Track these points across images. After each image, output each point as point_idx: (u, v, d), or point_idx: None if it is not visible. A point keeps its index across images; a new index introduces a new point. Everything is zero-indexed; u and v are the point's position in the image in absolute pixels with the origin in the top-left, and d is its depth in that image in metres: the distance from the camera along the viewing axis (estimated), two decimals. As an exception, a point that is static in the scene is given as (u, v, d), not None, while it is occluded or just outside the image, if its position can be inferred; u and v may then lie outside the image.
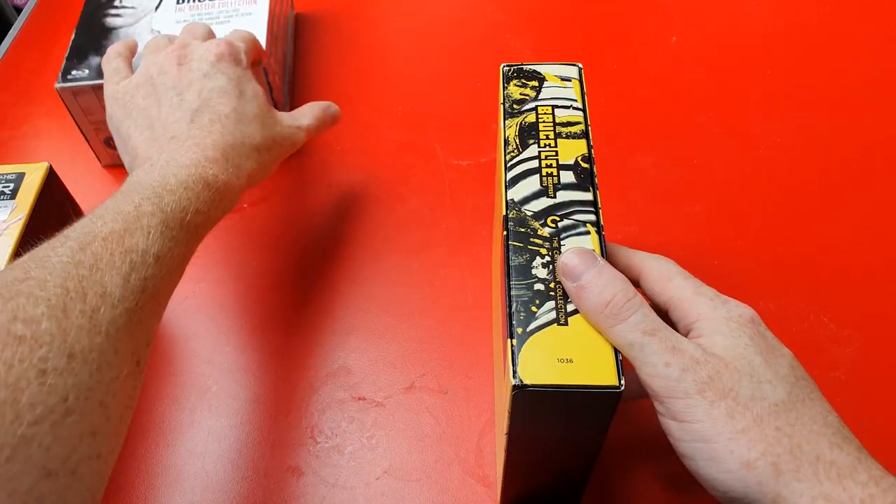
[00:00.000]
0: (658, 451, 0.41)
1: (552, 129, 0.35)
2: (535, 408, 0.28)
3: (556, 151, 0.34)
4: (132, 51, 0.49)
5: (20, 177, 0.40)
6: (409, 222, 0.53)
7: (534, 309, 0.29)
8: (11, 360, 0.24)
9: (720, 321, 0.29)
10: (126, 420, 0.30)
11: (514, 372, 0.27)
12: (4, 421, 0.23)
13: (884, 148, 0.56)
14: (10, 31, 0.72)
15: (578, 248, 0.30)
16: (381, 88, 0.63)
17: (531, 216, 0.32)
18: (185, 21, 0.56)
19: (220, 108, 0.41)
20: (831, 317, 0.47)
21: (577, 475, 0.35)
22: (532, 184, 0.33)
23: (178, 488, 0.41)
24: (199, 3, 0.57)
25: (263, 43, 0.53)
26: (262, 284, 0.50)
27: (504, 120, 0.36)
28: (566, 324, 0.29)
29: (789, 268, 0.50)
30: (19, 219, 0.38)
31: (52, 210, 0.41)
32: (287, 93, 0.62)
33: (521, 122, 0.35)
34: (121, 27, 0.56)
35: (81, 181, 0.52)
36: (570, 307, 0.29)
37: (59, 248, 0.30)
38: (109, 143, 0.56)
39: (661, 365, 0.27)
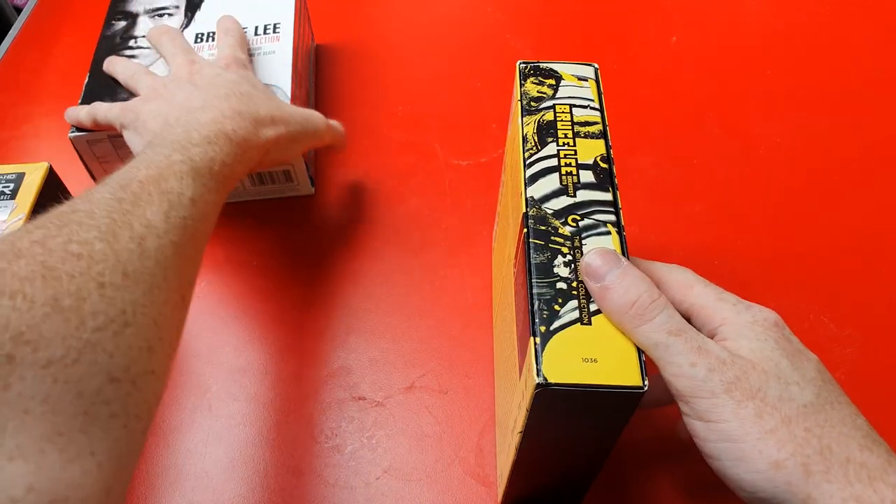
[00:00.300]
0: (667, 457, 0.41)
1: (570, 128, 0.35)
2: (556, 406, 0.28)
3: (575, 150, 0.34)
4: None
5: (20, 177, 0.40)
6: (409, 222, 0.53)
7: (556, 308, 0.29)
8: (73, 272, 0.26)
9: (745, 325, 0.29)
10: (174, 347, 0.31)
11: (539, 370, 0.27)
12: (70, 326, 0.24)
13: (884, 148, 0.56)
14: (10, 31, 0.72)
15: (602, 249, 0.30)
16: (381, 88, 0.63)
17: (551, 214, 0.32)
18: None
19: (235, 87, 0.43)
20: (831, 317, 0.47)
21: (582, 477, 0.35)
22: (552, 182, 0.33)
23: (178, 488, 0.41)
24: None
25: (288, 83, 0.52)
26: (261, 285, 0.50)
27: (521, 117, 0.36)
28: (589, 323, 0.28)
29: (789, 268, 0.50)
30: (19, 219, 0.38)
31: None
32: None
33: (538, 120, 0.35)
34: None
35: (81, 181, 0.52)
36: (593, 307, 0.29)
37: (100, 189, 0.31)
38: None
39: (686, 365, 0.27)
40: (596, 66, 0.38)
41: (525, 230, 0.31)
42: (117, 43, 0.55)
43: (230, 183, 0.39)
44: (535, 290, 0.29)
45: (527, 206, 0.32)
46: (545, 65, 0.38)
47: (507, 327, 0.36)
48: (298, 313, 0.48)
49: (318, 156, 0.59)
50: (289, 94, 0.51)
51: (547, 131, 0.35)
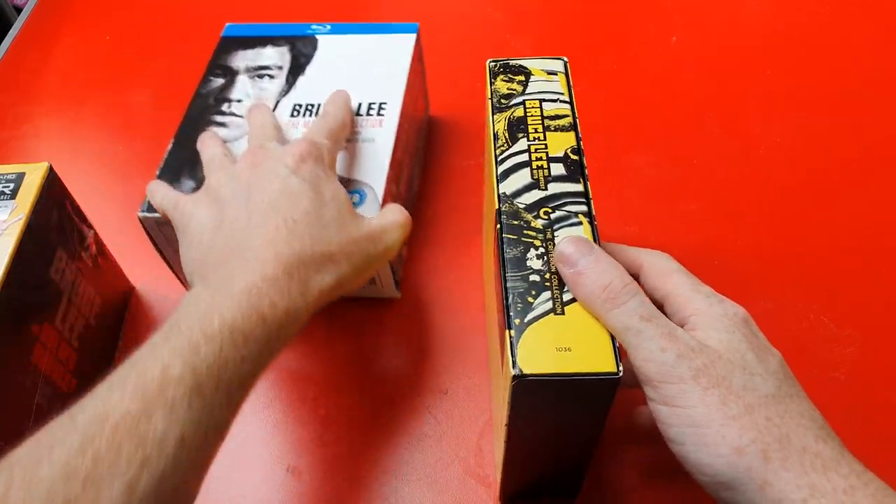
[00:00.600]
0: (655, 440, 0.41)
1: (540, 122, 0.35)
2: (534, 397, 0.29)
3: (546, 144, 0.34)
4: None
5: (20, 177, 0.40)
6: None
7: (530, 300, 0.29)
8: None
9: (715, 317, 0.30)
10: None
11: (514, 362, 0.27)
12: None
13: (883, 148, 0.56)
14: (10, 31, 0.72)
15: (575, 237, 0.30)
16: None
17: (524, 208, 0.32)
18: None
19: (290, 211, 0.35)
20: (831, 317, 0.47)
21: (576, 464, 0.36)
22: (523, 177, 0.33)
23: (178, 488, 0.41)
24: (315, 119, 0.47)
25: (382, 182, 0.44)
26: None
27: (492, 115, 0.36)
28: (563, 313, 0.29)
29: (789, 268, 0.50)
30: (19, 219, 0.38)
31: (52, 210, 0.41)
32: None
33: (509, 117, 0.36)
34: (224, 141, 0.45)
35: (81, 181, 0.52)
36: (566, 297, 0.29)
37: (56, 448, 0.26)
38: None
39: (656, 350, 0.28)
40: (565, 59, 0.38)
41: (498, 226, 0.32)
42: (210, 104, 0.49)
43: (250, 382, 0.31)
44: (508, 284, 0.30)
45: (499, 202, 0.33)
46: (514, 62, 0.38)
47: (494, 324, 0.36)
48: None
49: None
50: (380, 197, 0.43)
51: (518, 127, 0.35)
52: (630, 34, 0.68)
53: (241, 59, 0.52)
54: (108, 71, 0.67)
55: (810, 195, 0.54)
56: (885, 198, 0.53)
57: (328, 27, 0.54)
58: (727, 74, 0.63)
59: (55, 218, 0.42)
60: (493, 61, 0.38)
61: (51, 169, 0.41)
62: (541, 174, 0.33)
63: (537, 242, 0.31)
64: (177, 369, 0.28)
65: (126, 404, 0.27)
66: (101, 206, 0.55)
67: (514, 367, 0.27)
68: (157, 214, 0.41)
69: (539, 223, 0.32)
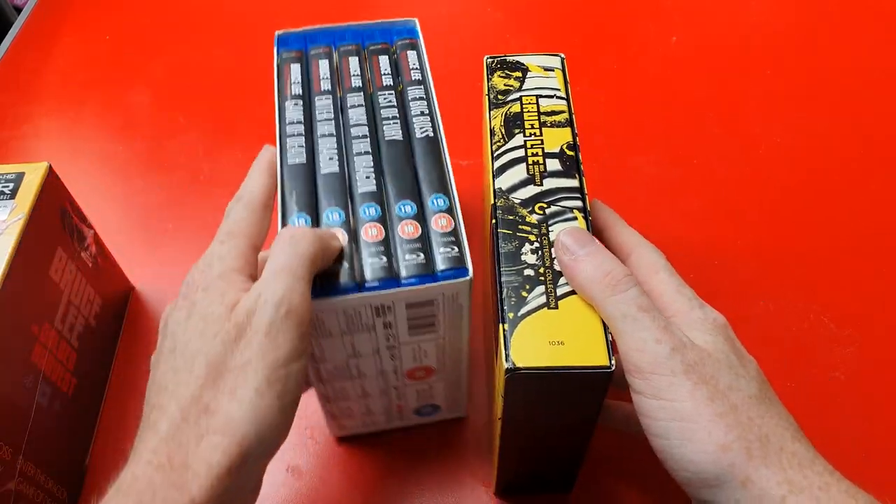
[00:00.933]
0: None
1: (537, 118, 0.36)
2: (528, 390, 0.29)
3: (542, 140, 0.35)
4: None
5: (20, 177, 0.40)
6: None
7: (524, 294, 0.29)
8: None
9: (696, 320, 0.30)
10: None
11: (507, 356, 0.28)
12: None
13: (884, 148, 0.56)
14: (10, 31, 0.72)
15: (576, 228, 0.31)
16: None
17: (519, 204, 0.32)
18: None
19: (203, 357, 0.27)
20: (831, 317, 0.47)
21: (570, 458, 0.36)
22: (519, 172, 0.34)
23: (178, 488, 0.41)
24: None
25: None
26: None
27: (489, 111, 0.36)
28: (556, 307, 0.29)
29: (789, 267, 0.50)
30: (19, 218, 0.38)
31: (52, 210, 0.41)
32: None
33: (506, 113, 0.36)
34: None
35: (81, 181, 0.52)
36: (560, 291, 0.30)
37: None
38: (331, 406, 0.39)
39: (651, 341, 0.28)
40: (562, 55, 0.38)
41: (493, 221, 0.32)
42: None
43: None
44: (503, 279, 0.30)
45: (495, 197, 0.33)
46: (512, 58, 0.38)
47: (490, 320, 0.36)
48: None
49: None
50: None
51: (514, 123, 0.35)
52: (630, 34, 0.68)
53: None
54: (108, 71, 0.67)
55: (810, 195, 0.54)
56: (885, 198, 0.53)
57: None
58: (727, 74, 0.63)
59: (55, 218, 0.42)
60: (491, 57, 0.38)
61: (50, 169, 0.41)
62: (536, 170, 0.33)
63: (532, 237, 0.31)
64: None
65: None
66: (101, 206, 0.55)
67: (507, 361, 0.28)
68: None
69: (534, 218, 0.32)
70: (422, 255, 0.31)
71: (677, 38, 0.66)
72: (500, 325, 0.29)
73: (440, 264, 0.31)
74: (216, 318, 0.27)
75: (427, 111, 0.37)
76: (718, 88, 0.62)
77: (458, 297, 0.31)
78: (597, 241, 0.30)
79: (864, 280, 0.49)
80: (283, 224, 0.32)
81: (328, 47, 0.40)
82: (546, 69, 0.38)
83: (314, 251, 0.29)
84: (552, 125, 0.35)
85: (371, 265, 0.31)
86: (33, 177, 0.40)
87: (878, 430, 0.42)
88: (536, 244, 0.31)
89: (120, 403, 0.45)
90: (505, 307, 0.29)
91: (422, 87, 0.38)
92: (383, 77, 0.38)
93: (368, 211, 0.33)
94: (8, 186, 0.40)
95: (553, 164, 0.34)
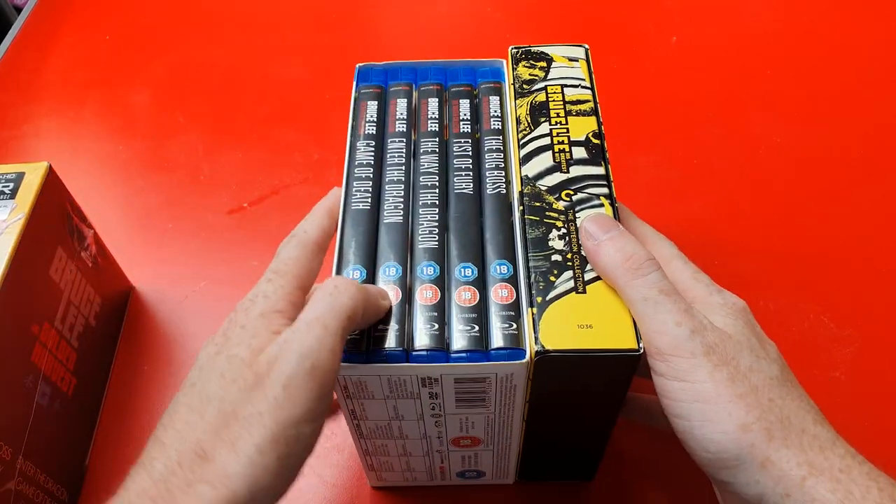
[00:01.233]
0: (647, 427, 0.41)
1: (562, 107, 0.36)
2: (556, 373, 0.29)
3: (567, 129, 0.35)
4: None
5: (20, 176, 0.40)
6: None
7: (552, 279, 0.30)
8: None
9: (715, 305, 0.30)
10: None
11: (536, 339, 0.28)
12: None
13: (884, 148, 0.56)
14: (10, 31, 0.72)
15: (600, 213, 0.31)
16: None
17: (545, 191, 0.32)
18: None
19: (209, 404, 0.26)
20: (831, 317, 0.47)
21: (592, 445, 0.36)
22: (545, 160, 0.34)
23: (178, 488, 0.41)
24: None
25: None
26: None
27: (514, 100, 0.36)
28: (584, 292, 0.29)
29: (789, 268, 0.50)
30: (19, 218, 0.38)
31: (52, 210, 0.41)
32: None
33: (531, 102, 0.36)
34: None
35: (81, 181, 0.52)
36: (587, 276, 0.30)
37: None
38: (370, 459, 0.38)
39: (671, 323, 0.28)
40: (586, 46, 0.39)
41: (521, 208, 0.32)
42: None
43: None
44: (531, 264, 0.30)
45: (521, 185, 0.33)
46: (536, 48, 0.39)
47: None
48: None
49: (319, 154, 0.58)
50: None
51: (539, 112, 0.36)
52: (630, 34, 0.68)
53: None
54: (108, 71, 0.67)
55: (810, 195, 0.54)
56: (885, 198, 0.53)
57: None
58: (727, 74, 0.63)
59: (55, 218, 0.42)
60: (515, 48, 0.39)
61: (50, 169, 0.41)
62: (563, 157, 0.34)
63: (559, 224, 0.31)
64: None
65: None
66: (101, 206, 0.55)
67: (536, 343, 0.28)
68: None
69: (561, 205, 0.32)
70: (476, 328, 0.29)
71: (677, 38, 0.66)
72: (529, 309, 0.29)
73: (495, 341, 0.29)
74: (239, 361, 0.26)
75: (502, 165, 0.35)
76: (718, 88, 0.62)
77: (513, 378, 0.29)
78: (621, 226, 0.31)
79: (864, 280, 0.49)
80: (338, 273, 0.31)
81: (409, 85, 0.39)
82: (570, 59, 0.38)
83: (355, 307, 0.27)
84: (577, 114, 0.35)
85: (421, 331, 0.29)
86: (33, 177, 0.40)
87: (878, 430, 0.42)
88: (563, 230, 0.31)
89: (120, 403, 0.45)
90: (533, 291, 0.29)
91: (500, 137, 0.36)
92: (461, 123, 0.37)
93: (427, 270, 0.31)
94: (8, 186, 0.40)
95: (579, 152, 0.34)
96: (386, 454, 0.36)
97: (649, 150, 0.57)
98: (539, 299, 0.29)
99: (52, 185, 0.41)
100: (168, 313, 0.49)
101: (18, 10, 1.25)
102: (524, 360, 0.28)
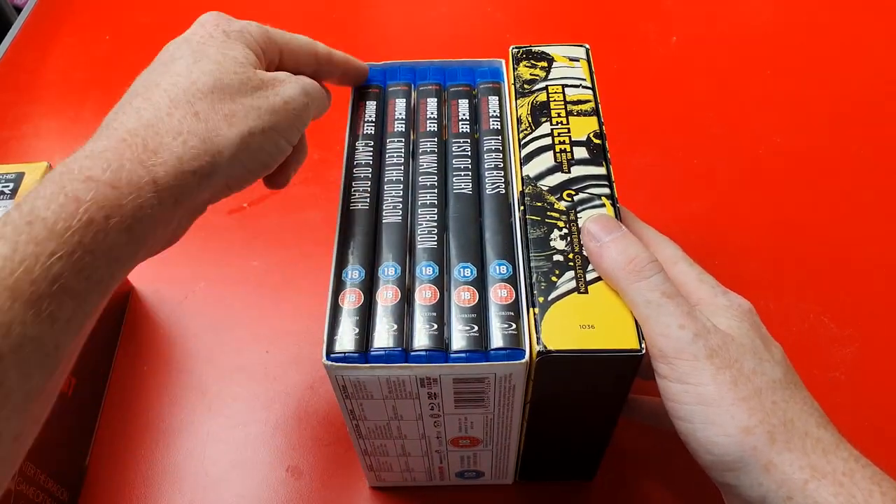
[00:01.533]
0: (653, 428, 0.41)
1: (563, 107, 0.36)
2: (558, 373, 0.29)
3: (569, 129, 0.35)
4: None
5: (20, 176, 0.40)
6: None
7: (554, 279, 0.30)
8: None
9: (721, 307, 0.30)
10: None
11: (538, 339, 0.28)
12: None
13: (884, 148, 0.56)
14: (10, 31, 0.72)
15: (603, 214, 0.31)
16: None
17: (547, 191, 0.32)
18: None
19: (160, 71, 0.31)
20: (831, 317, 0.47)
21: (593, 445, 0.36)
22: (546, 160, 0.34)
23: (178, 488, 0.41)
24: None
25: None
26: (262, 285, 0.50)
27: (515, 99, 0.36)
28: (586, 292, 0.29)
29: (789, 268, 0.50)
30: (19, 219, 0.38)
31: (52, 210, 0.41)
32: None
33: (532, 102, 0.36)
34: None
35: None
36: (589, 276, 0.30)
37: None
38: (369, 459, 0.38)
39: (675, 326, 0.28)
40: (587, 46, 0.39)
41: (521, 208, 0.32)
42: None
43: (98, 291, 0.24)
44: (532, 264, 0.30)
45: (523, 185, 0.33)
46: (537, 48, 0.39)
47: None
48: (298, 313, 0.48)
49: (319, 154, 0.58)
50: None
51: (541, 112, 0.36)
52: (630, 34, 0.68)
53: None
54: (108, 71, 0.67)
55: (810, 195, 0.54)
56: (885, 198, 0.53)
57: None
58: (727, 74, 0.63)
59: (55, 218, 0.41)
60: (516, 48, 0.39)
61: (50, 168, 0.41)
62: (564, 157, 0.34)
63: (561, 224, 0.31)
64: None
65: None
66: (101, 206, 0.55)
67: (538, 344, 0.28)
68: (348, 365, 0.29)
69: (562, 205, 0.32)
70: (475, 328, 0.29)
71: (677, 38, 0.66)
72: (531, 309, 0.29)
73: (494, 341, 0.29)
74: (240, 59, 0.30)
75: (501, 165, 0.35)
76: (718, 88, 0.62)
77: (512, 378, 0.29)
78: (623, 227, 0.31)
79: (864, 280, 0.49)
80: (338, 271, 0.31)
81: (407, 85, 0.39)
82: (571, 59, 0.38)
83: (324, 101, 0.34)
84: (579, 114, 0.35)
85: (420, 332, 0.29)
86: (33, 177, 0.40)
87: (878, 429, 0.42)
88: (565, 230, 0.31)
89: (120, 403, 0.45)
90: (535, 291, 0.29)
91: (499, 137, 0.36)
92: (460, 123, 0.37)
93: (426, 270, 0.31)
94: (8, 186, 0.40)
95: (580, 152, 0.34)
96: (385, 454, 0.36)
97: (649, 151, 0.57)
98: (541, 299, 0.29)
99: (52, 186, 0.41)
100: (168, 313, 0.49)
101: (18, 10, 1.25)
102: (523, 361, 0.28)
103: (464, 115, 0.37)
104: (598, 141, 0.34)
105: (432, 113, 0.37)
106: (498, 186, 0.34)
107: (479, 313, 0.30)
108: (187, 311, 0.49)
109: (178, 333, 0.48)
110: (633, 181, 0.55)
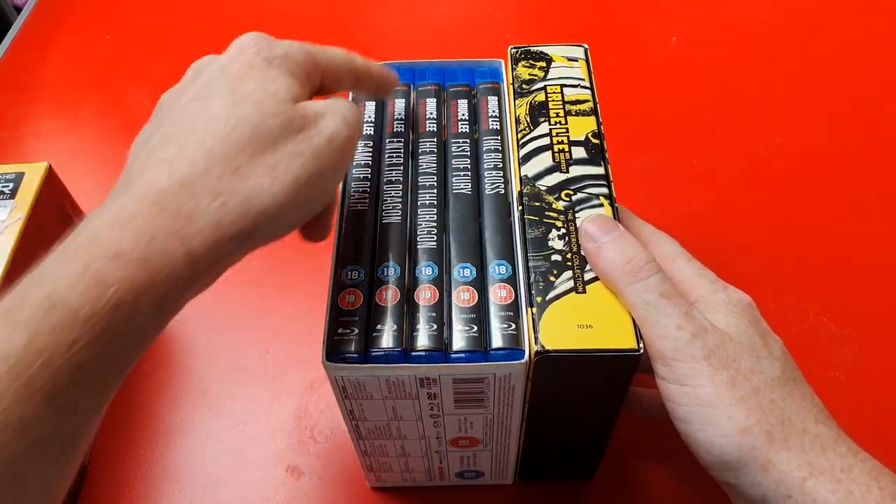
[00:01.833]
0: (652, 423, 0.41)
1: (562, 107, 0.36)
2: (556, 373, 0.29)
3: (567, 129, 0.35)
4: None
5: (20, 176, 0.40)
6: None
7: (552, 279, 0.30)
8: None
9: (720, 303, 0.30)
10: None
11: (536, 339, 0.28)
12: None
13: (884, 148, 0.56)
14: (10, 31, 0.72)
15: (600, 215, 0.31)
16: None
17: (545, 191, 0.32)
18: None
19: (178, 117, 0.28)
20: (831, 317, 0.47)
21: (592, 444, 0.36)
22: (544, 160, 0.34)
23: (178, 488, 0.41)
24: None
25: None
26: (262, 284, 0.50)
27: (514, 100, 0.36)
28: (584, 292, 0.29)
29: (789, 268, 0.50)
30: (18, 218, 0.38)
31: (52, 210, 0.41)
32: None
33: (531, 102, 0.36)
34: None
35: (81, 181, 0.52)
36: (587, 276, 0.30)
37: None
38: (369, 460, 0.38)
39: (672, 327, 0.28)
40: (586, 46, 0.39)
41: (520, 208, 0.32)
42: None
43: (105, 379, 0.23)
44: (530, 264, 0.30)
45: (521, 185, 0.33)
46: (536, 48, 0.39)
47: None
48: (299, 313, 0.48)
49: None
50: None
51: (539, 112, 0.36)
52: (630, 34, 0.68)
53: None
54: (108, 71, 0.67)
55: (810, 195, 0.54)
56: (885, 198, 0.53)
57: None
58: (727, 74, 0.63)
59: (54, 218, 0.42)
60: (515, 48, 0.39)
61: (50, 169, 0.41)
62: (562, 157, 0.34)
63: (559, 224, 0.31)
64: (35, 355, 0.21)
65: None
66: (101, 206, 0.55)
67: (536, 343, 0.28)
68: (348, 367, 0.29)
69: (560, 205, 0.32)
70: (475, 328, 0.29)
71: (677, 38, 0.66)
72: (529, 309, 0.29)
73: (494, 341, 0.29)
74: (280, 95, 0.27)
75: (501, 165, 0.35)
76: (718, 88, 0.62)
77: (512, 378, 0.29)
78: (621, 227, 0.30)
79: (864, 280, 0.49)
80: (337, 271, 0.31)
81: (406, 85, 0.38)
82: (570, 59, 0.38)
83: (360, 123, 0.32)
84: (577, 114, 0.35)
85: (419, 332, 0.29)
86: (33, 177, 0.40)
87: (877, 429, 0.42)
88: (563, 230, 0.31)
89: (120, 403, 0.45)
90: (533, 291, 0.29)
91: (498, 138, 0.36)
92: (459, 123, 0.37)
93: (425, 270, 0.31)
94: (8, 186, 0.40)
95: (578, 152, 0.34)
96: (384, 455, 0.36)
97: (649, 151, 0.57)
98: (539, 299, 0.29)
99: (51, 186, 0.41)
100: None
101: (18, 10, 1.25)
102: (523, 361, 0.28)
103: (463, 115, 0.37)
104: (596, 141, 0.34)
105: (432, 113, 0.37)
106: (498, 187, 0.34)
107: (478, 313, 0.30)
108: (187, 311, 0.49)
109: (178, 333, 0.48)
110: (633, 181, 0.55)
